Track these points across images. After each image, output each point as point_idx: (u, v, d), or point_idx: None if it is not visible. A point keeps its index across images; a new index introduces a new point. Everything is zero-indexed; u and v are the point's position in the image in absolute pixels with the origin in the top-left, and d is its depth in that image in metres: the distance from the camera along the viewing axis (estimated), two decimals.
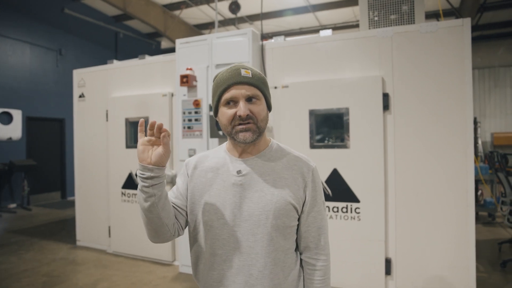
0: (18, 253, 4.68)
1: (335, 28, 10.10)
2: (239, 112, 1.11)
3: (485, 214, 6.30)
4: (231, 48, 3.63)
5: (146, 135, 1.10)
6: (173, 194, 1.27)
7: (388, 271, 3.22)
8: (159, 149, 1.08)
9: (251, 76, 1.15)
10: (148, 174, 1.07)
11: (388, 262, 3.22)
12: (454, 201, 3.03)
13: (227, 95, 1.14)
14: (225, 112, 1.15)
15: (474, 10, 7.62)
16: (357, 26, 9.88)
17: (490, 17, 9.43)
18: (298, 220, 1.22)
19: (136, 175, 1.13)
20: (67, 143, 8.97)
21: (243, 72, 1.15)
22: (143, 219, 1.15)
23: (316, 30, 10.70)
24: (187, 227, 1.28)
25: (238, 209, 1.16)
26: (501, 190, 4.54)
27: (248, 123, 1.13)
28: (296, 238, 1.25)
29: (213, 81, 1.23)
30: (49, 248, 4.89)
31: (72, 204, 8.20)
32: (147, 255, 4.37)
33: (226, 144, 1.29)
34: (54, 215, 7.15)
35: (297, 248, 1.26)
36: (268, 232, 1.14)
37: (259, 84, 1.16)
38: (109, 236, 4.66)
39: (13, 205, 7.83)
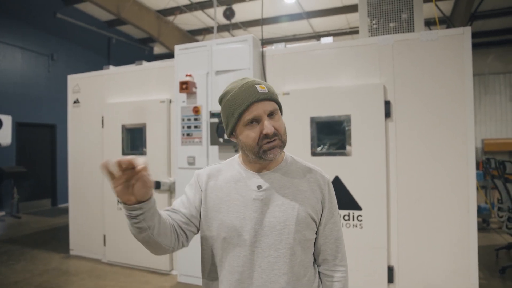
0: (9, 263, 4.54)
1: (329, 35, 10.18)
2: (265, 130, 1.08)
3: (479, 220, 6.35)
4: (231, 55, 3.60)
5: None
6: (182, 205, 1.20)
7: (390, 279, 3.20)
8: (139, 185, 0.93)
9: (267, 90, 1.12)
10: (136, 212, 0.96)
11: (390, 270, 3.20)
12: (456, 208, 3.03)
13: (248, 116, 1.09)
14: (249, 133, 1.10)
15: (465, 18, 7.76)
16: (350, 33, 9.99)
17: (480, 25, 9.63)
18: (315, 233, 1.21)
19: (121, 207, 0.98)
20: (58, 149, 8.80)
21: (259, 88, 1.11)
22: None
23: (310, 37, 10.78)
24: (200, 243, 1.23)
25: (259, 225, 1.12)
26: (497, 196, 4.58)
27: (274, 139, 1.10)
28: (313, 251, 1.24)
29: (221, 100, 1.17)
30: (41, 257, 4.76)
31: (63, 211, 8.03)
32: (144, 264, 4.27)
33: (239, 158, 1.25)
34: (45, 223, 6.99)
35: (314, 261, 1.25)
36: (291, 246, 1.12)
37: (275, 97, 1.14)
38: (104, 245, 4.55)
39: (1, 213, 7.63)
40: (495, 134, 11.21)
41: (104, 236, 4.56)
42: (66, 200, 8.43)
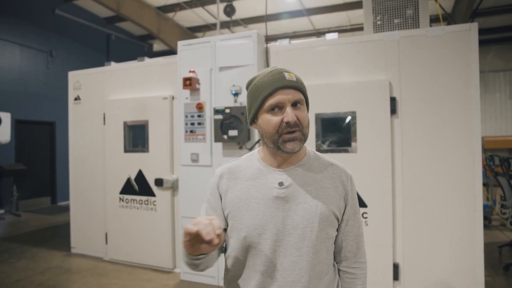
0: (9, 261, 4.50)
1: (329, 32, 10.13)
2: (286, 118, 1.05)
3: None
4: (235, 51, 3.56)
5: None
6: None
7: (396, 277, 3.19)
8: (209, 246, 0.94)
9: (295, 79, 1.10)
10: (198, 262, 1.06)
11: (396, 267, 3.19)
12: (462, 205, 3.02)
13: (272, 101, 1.06)
14: (270, 119, 1.07)
15: (467, 16, 7.74)
16: (351, 30, 9.95)
17: (480, 23, 9.59)
18: (337, 230, 1.18)
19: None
20: (57, 146, 8.74)
21: (287, 75, 1.08)
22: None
23: (310, 34, 10.74)
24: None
25: (281, 223, 1.09)
26: (499, 193, 4.57)
27: (295, 131, 1.06)
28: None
29: (248, 86, 1.16)
30: (42, 256, 4.72)
31: (63, 209, 7.98)
32: (146, 262, 4.24)
33: (258, 153, 1.21)
34: (45, 221, 6.94)
35: (333, 259, 1.23)
36: (314, 245, 1.09)
37: (302, 88, 1.11)
38: (106, 243, 4.52)
39: (1, 211, 7.58)
40: (495, 132, 11.22)
41: (106, 234, 4.52)
42: (66, 198, 8.42)
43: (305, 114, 1.10)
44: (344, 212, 1.17)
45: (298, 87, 1.09)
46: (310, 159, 1.18)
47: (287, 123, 1.05)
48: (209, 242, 0.90)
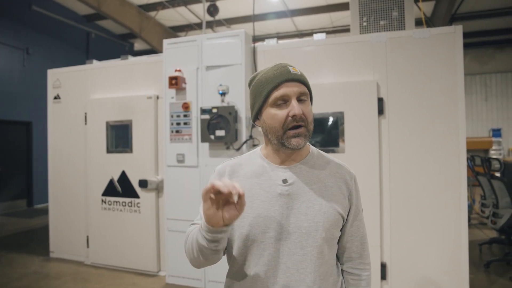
0: None
1: (312, 33, 10.21)
2: (292, 111, 1.02)
3: None
4: (222, 50, 3.51)
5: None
6: None
7: (383, 276, 3.21)
8: (233, 212, 0.91)
9: (300, 73, 1.08)
10: (220, 236, 0.97)
11: (383, 267, 3.21)
12: (448, 205, 3.06)
13: (277, 93, 1.04)
14: (275, 114, 1.04)
15: (445, 20, 7.94)
16: (333, 32, 10.05)
17: None
18: (341, 230, 1.16)
19: (198, 226, 1.05)
20: (34, 147, 8.42)
21: (291, 69, 1.07)
22: (194, 257, 1.07)
23: (293, 35, 10.79)
24: None
25: (285, 221, 1.06)
26: (480, 193, 4.69)
27: (300, 126, 1.04)
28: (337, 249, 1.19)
29: (250, 83, 1.14)
30: (19, 261, 4.53)
31: (40, 212, 7.70)
32: (130, 266, 4.13)
33: (261, 150, 1.19)
34: (21, 224, 6.67)
35: (337, 260, 1.21)
36: (318, 244, 1.06)
37: (307, 82, 1.10)
38: (88, 246, 4.37)
39: None
40: (471, 133, 11.57)
41: (87, 237, 4.38)
42: (43, 200, 8.15)
43: (310, 109, 1.09)
44: (348, 213, 1.15)
45: (303, 80, 1.08)
46: (313, 157, 1.16)
47: (293, 116, 1.02)
48: (230, 199, 0.88)
